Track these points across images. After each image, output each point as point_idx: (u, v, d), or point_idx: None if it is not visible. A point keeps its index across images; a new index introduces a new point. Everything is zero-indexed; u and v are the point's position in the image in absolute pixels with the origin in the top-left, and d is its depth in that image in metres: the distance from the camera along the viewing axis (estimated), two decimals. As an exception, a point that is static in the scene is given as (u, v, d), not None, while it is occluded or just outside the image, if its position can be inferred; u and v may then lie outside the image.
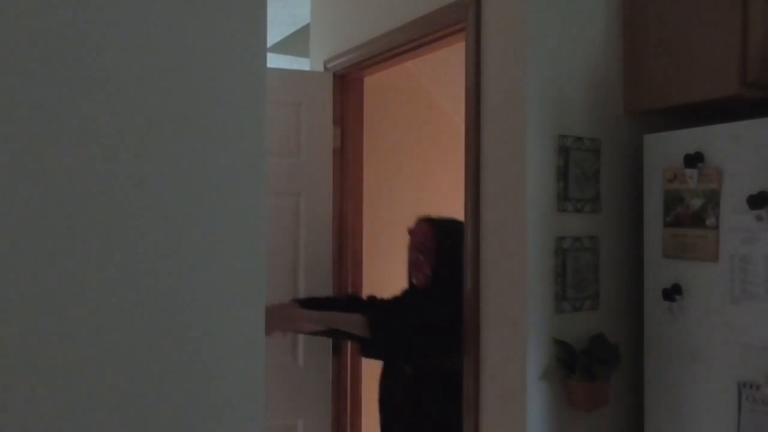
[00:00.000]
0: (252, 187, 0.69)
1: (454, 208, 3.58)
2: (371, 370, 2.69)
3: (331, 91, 2.87)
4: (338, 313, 2.37)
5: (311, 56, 3.18)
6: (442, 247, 2.25)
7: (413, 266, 2.32)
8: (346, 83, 2.94)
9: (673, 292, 1.90)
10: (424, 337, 2.13)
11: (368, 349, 2.34)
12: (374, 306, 2.46)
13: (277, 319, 2.26)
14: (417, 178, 3.48)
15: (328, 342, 2.79)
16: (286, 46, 4.98)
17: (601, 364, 1.89)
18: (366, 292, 2.98)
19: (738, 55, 1.77)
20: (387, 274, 3.25)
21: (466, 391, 2.10)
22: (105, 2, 0.60)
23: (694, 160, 1.84)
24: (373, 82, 3.07)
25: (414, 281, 2.33)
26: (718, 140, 1.81)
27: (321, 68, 3.01)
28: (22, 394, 0.55)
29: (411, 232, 2.32)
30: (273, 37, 4.77)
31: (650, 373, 2.00)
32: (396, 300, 2.45)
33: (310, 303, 2.49)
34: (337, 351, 2.83)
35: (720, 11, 1.81)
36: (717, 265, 1.79)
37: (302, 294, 2.73)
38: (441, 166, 3.54)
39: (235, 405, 0.67)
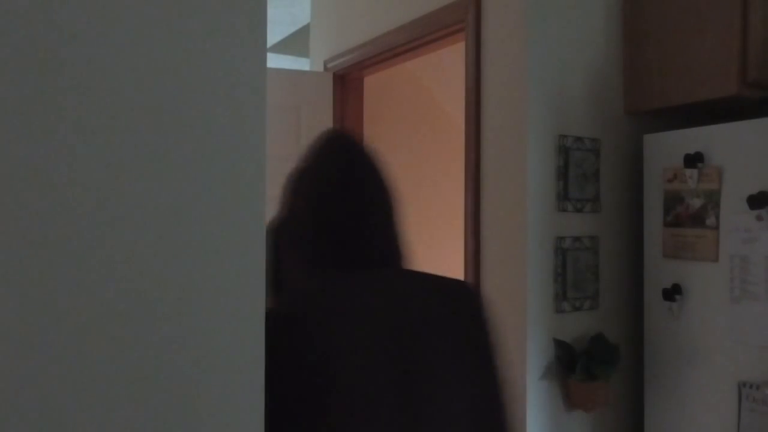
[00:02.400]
0: (252, 188, 0.68)
1: (454, 208, 3.58)
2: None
3: (331, 92, 2.87)
4: None
5: (311, 56, 3.18)
6: None
7: None
8: (346, 83, 2.94)
9: (673, 292, 1.90)
10: None
11: None
12: None
13: None
14: (417, 178, 3.48)
15: None
16: (286, 46, 4.97)
17: (601, 364, 1.89)
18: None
19: (738, 55, 1.77)
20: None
21: (466, 391, 2.09)
22: (102, 1, 0.60)
23: (694, 160, 1.84)
24: (373, 82, 3.06)
25: None
26: (718, 140, 1.81)
27: (321, 68, 3.01)
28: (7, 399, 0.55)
29: None
30: (273, 37, 4.77)
31: (650, 373, 2.00)
32: None
33: None
34: None
35: (720, 12, 1.81)
36: (717, 265, 1.79)
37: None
38: (441, 166, 3.54)
39: (234, 417, 0.68)
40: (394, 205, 0.96)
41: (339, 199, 0.91)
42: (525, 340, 1.89)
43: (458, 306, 0.92)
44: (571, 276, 1.96)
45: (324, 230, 0.91)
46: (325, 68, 2.96)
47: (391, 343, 0.84)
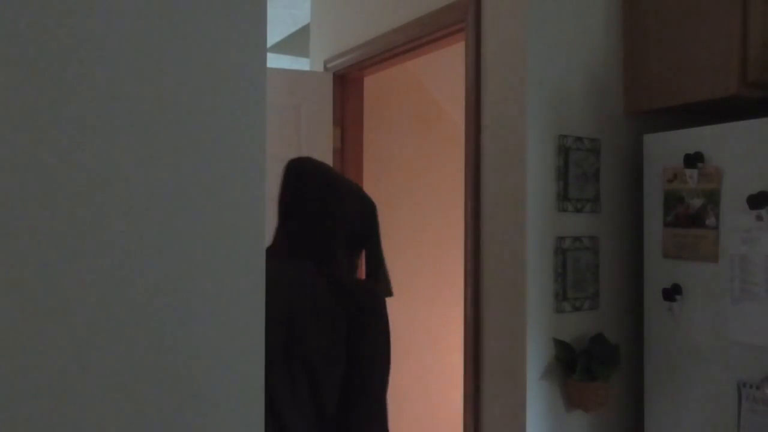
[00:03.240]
0: (252, 189, 0.69)
1: (454, 208, 3.58)
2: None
3: (331, 92, 2.87)
4: None
5: (311, 56, 3.18)
6: None
7: None
8: (346, 83, 2.94)
9: (673, 292, 1.90)
10: None
11: None
12: None
13: None
14: (417, 178, 3.48)
15: None
16: (286, 46, 4.97)
17: (601, 364, 1.89)
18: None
19: (738, 55, 1.77)
20: (387, 274, 3.25)
21: (466, 390, 2.10)
22: (101, 2, 0.60)
23: (694, 160, 1.84)
24: (373, 82, 3.07)
25: None
26: (718, 140, 1.81)
27: (321, 68, 3.01)
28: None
29: None
30: (273, 37, 4.76)
31: (650, 373, 2.00)
32: None
33: None
34: None
35: (720, 11, 1.81)
36: (717, 265, 1.79)
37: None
38: (441, 166, 3.54)
39: (233, 414, 0.68)
40: (330, 218, 1.30)
41: (290, 211, 1.32)
42: (525, 340, 1.89)
43: (346, 301, 1.23)
44: (571, 276, 1.96)
45: (279, 232, 1.35)
46: (325, 68, 2.96)
47: (284, 312, 1.19)
